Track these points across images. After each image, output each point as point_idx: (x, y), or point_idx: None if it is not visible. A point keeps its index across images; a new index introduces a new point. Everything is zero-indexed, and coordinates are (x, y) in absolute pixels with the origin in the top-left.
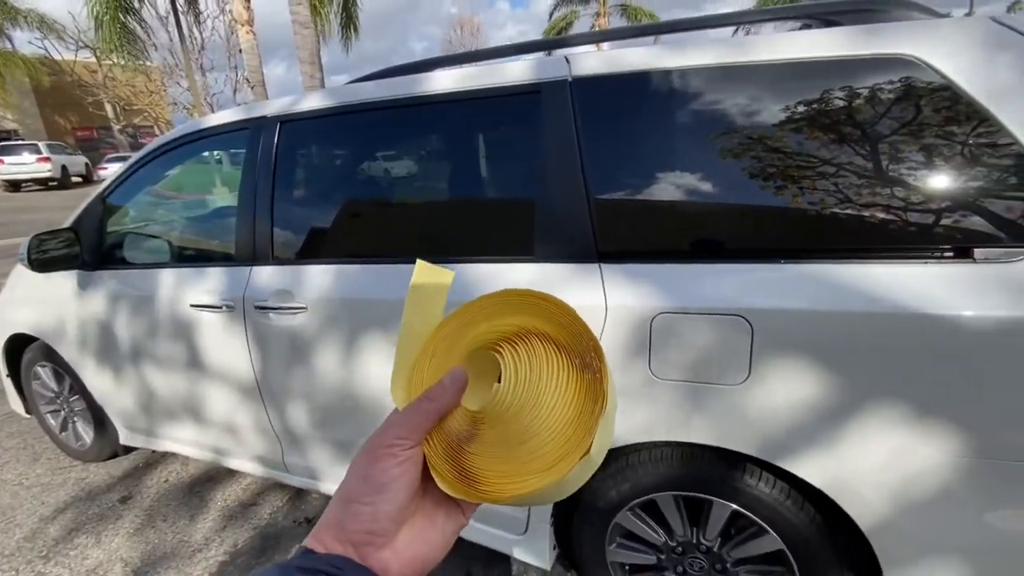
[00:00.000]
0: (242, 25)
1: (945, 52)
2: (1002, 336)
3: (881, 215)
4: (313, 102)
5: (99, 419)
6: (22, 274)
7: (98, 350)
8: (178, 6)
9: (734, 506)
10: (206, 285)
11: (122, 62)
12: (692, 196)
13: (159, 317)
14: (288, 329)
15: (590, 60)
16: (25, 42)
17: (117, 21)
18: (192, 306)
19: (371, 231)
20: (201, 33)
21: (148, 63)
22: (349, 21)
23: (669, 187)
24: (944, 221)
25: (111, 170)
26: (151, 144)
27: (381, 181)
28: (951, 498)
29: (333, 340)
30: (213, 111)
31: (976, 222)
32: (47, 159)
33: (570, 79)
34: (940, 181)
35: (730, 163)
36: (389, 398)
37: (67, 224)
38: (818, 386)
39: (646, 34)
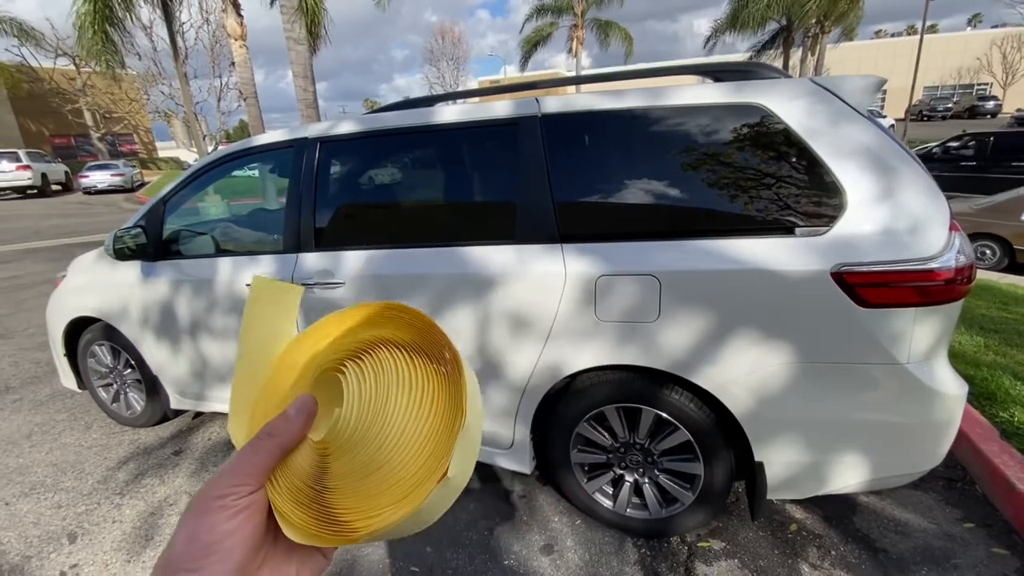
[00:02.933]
0: (235, 40)
1: (781, 102)
2: (807, 279)
3: (742, 209)
4: (346, 127)
5: (152, 388)
6: (84, 267)
7: (158, 327)
8: (155, 15)
9: (656, 411)
10: (261, 269)
11: (103, 70)
12: (622, 197)
13: (216, 296)
14: (329, 300)
15: (553, 101)
16: (2, 49)
17: (101, 30)
18: (248, 285)
19: (393, 224)
20: (185, 42)
21: (130, 71)
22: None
23: (606, 191)
24: (779, 212)
25: (92, 178)
26: (206, 159)
27: (401, 187)
28: (790, 391)
29: None
30: (197, 119)
31: (797, 212)
32: (27, 167)
33: (539, 115)
34: (777, 187)
35: (648, 174)
36: None
37: (133, 222)
38: (704, 320)
39: (613, 79)
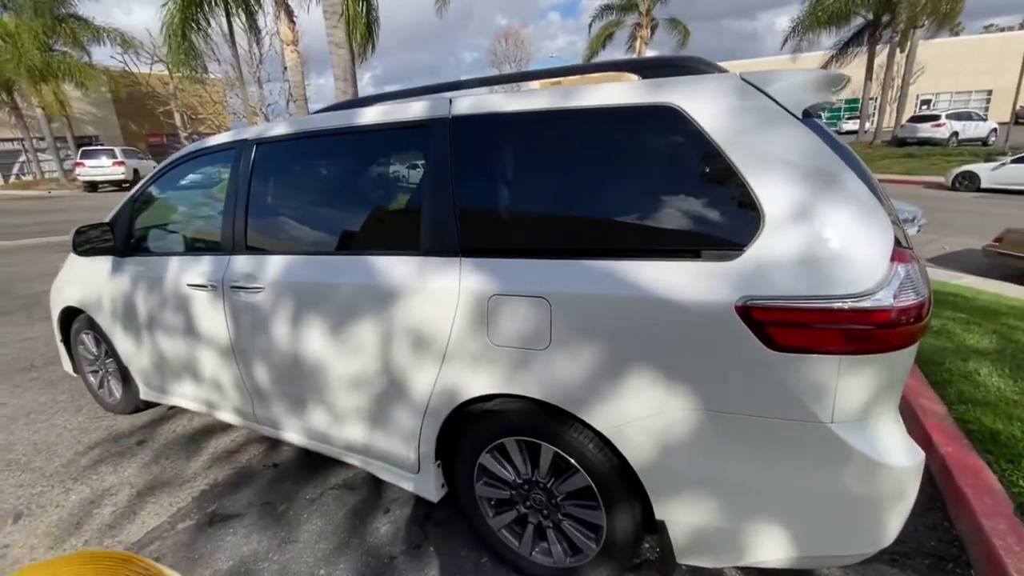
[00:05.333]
0: (288, 45)
1: (697, 102)
2: (710, 312)
3: (647, 227)
4: (278, 130)
5: (125, 377)
6: (73, 260)
7: (124, 319)
8: (233, 25)
9: (555, 449)
10: (199, 269)
11: (185, 75)
12: (523, 208)
13: (167, 294)
14: (252, 304)
15: (464, 102)
16: (108, 56)
17: (185, 39)
18: (188, 285)
19: (311, 229)
20: (260, 49)
21: (214, 75)
22: (369, 37)
23: (508, 201)
24: (686, 232)
25: None
26: (168, 159)
27: (321, 191)
28: (695, 443)
29: (282, 312)
30: (267, 120)
31: (705, 232)
32: (121, 163)
33: (450, 117)
34: (683, 202)
35: (551, 184)
36: (329, 357)
37: (106, 219)
38: (598, 351)
39: (534, 78)
